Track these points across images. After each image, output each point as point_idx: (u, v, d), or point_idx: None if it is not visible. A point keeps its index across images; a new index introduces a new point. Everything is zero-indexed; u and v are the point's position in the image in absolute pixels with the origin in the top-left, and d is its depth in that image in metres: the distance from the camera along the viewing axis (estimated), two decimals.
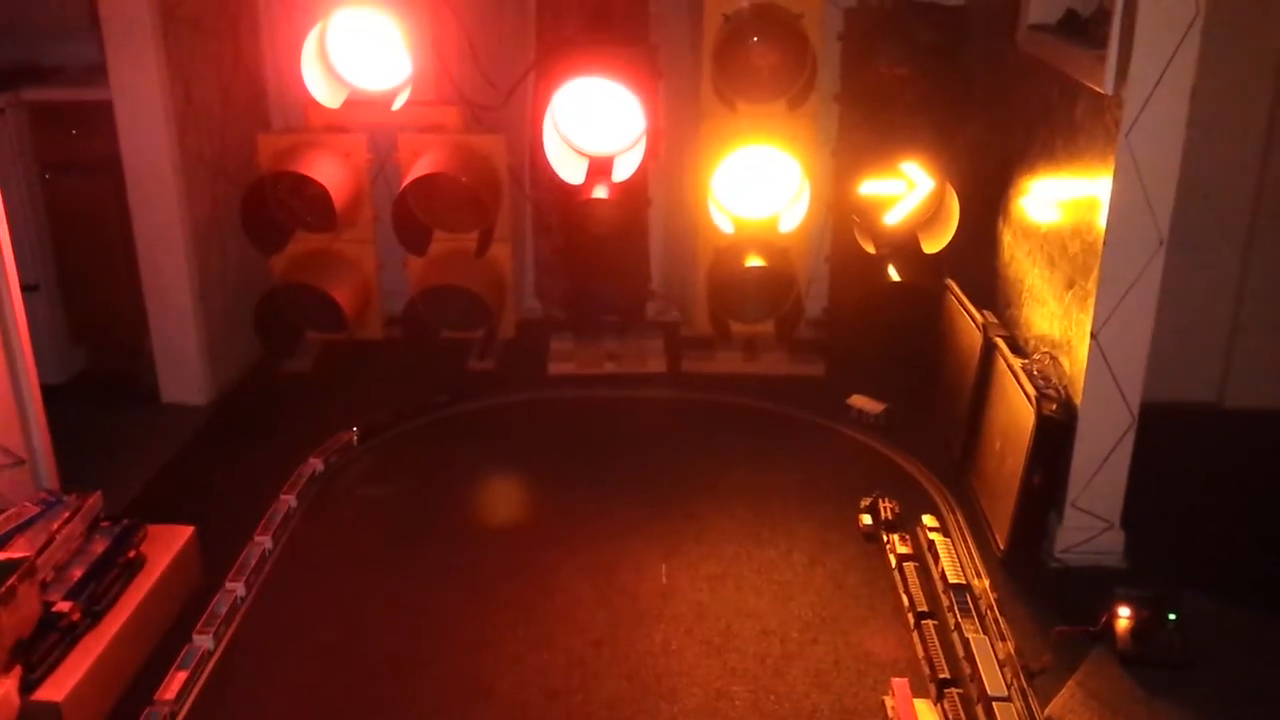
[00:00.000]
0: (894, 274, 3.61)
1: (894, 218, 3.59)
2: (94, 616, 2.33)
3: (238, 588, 2.61)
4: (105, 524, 2.55)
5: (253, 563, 2.70)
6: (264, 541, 2.79)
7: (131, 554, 2.52)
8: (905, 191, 3.56)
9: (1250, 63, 3.22)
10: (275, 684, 2.39)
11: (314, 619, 2.60)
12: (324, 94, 3.57)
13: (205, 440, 3.41)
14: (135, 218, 3.43)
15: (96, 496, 2.57)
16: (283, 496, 2.97)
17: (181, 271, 3.47)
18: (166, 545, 2.61)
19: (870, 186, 3.57)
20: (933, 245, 3.53)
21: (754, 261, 3.66)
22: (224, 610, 2.52)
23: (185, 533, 2.66)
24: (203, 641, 2.43)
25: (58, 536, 2.40)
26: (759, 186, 3.68)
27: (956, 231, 3.46)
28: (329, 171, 3.68)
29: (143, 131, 3.33)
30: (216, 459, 3.30)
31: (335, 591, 2.70)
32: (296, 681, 2.40)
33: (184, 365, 3.57)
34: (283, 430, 3.43)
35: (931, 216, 3.59)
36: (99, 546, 2.47)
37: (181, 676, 2.31)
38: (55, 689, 2.14)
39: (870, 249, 3.57)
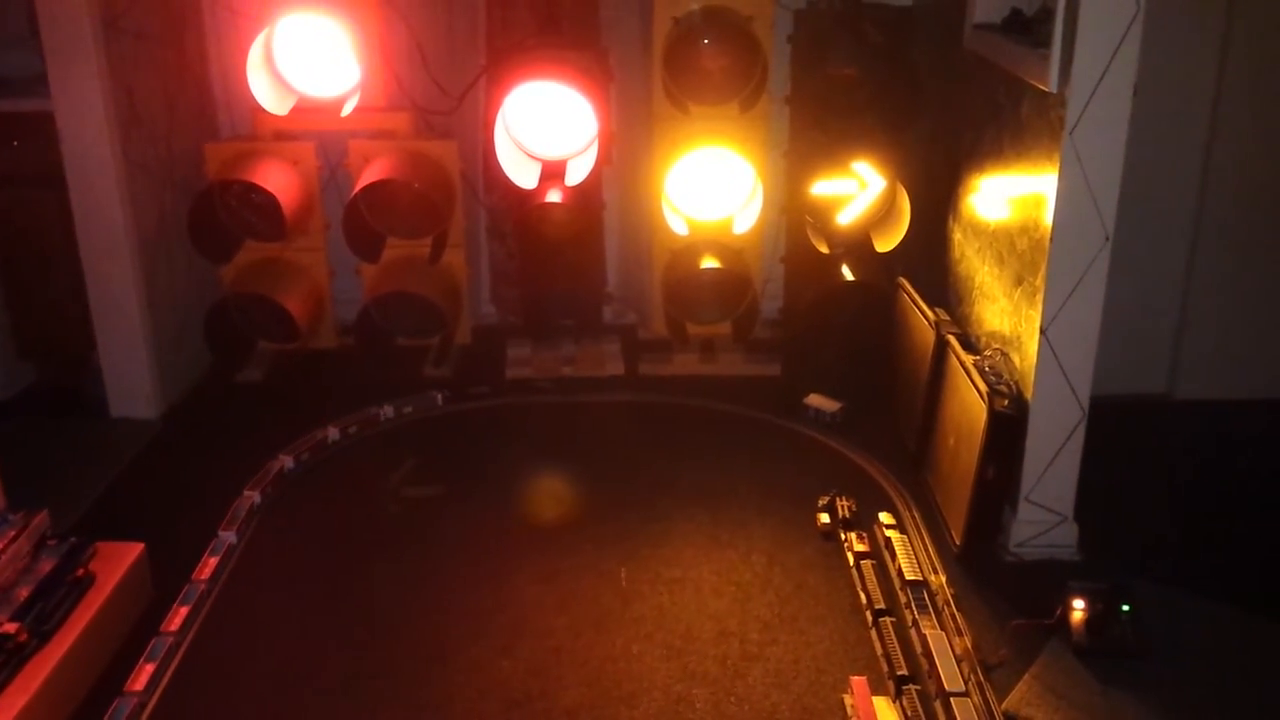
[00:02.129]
0: (848, 273, 3.63)
1: (846, 217, 3.61)
2: (42, 637, 2.28)
3: (200, 585, 2.59)
4: (52, 542, 2.50)
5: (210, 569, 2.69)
6: (228, 536, 2.80)
7: (80, 572, 2.47)
8: (857, 191, 3.58)
9: (1192, 59, 3.27)
10: (227, 699, 2.35)
11: (268, 631, 2.56)
12: (271, 101, 3.53)
13: (155, 454, 3.36)
14: (80, 229, 3.37)
15: (43, 515, 2.51)
16: (246, 492, 2.98)
17: (128, 283, 3.42)
18: (116, 563, 2.56)
19: (822, 187, 3.59)
20: (885, 244, 3.55)
21: (709, 263, 3.66)
22: (168, 642, 2.47)
23: (135, 549, 2.62)
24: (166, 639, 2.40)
25: (3, 556, 2.34)
26: (712, 189, 3.68)
27: (908, 230, 3.49)
28: (278, 179, 3.63)
29: (86, 142, 3.27)
30: (167, 473, 3.25)
31: (288, 605, 2.66)
32: (250, 696, 2.36)
33: (133, 378, 3.51)
34: (235, 443, 3.38)
35: (883, 216, 3.62)
36: (46, 565, 2.42)
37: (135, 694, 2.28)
38: (2, 711, 2.10)
39: (824, 249, 3.59)
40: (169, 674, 2.39)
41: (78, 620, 2.36)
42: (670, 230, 3.70)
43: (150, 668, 2.36)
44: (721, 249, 3.73)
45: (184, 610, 2.55)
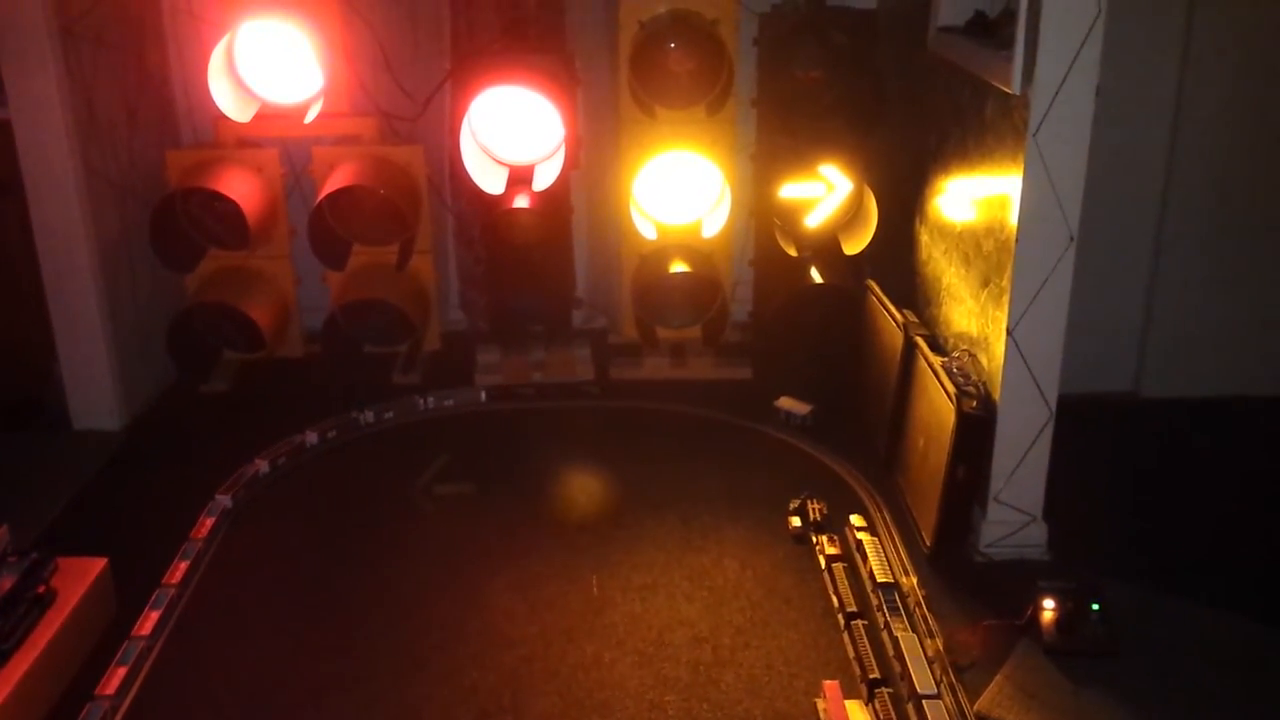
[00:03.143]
0: (816, 276, 3.64)
1: (814, 220, 3.62)
2: (2, 655, 2.24)
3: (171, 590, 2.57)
4: (13, 559, 2.44)
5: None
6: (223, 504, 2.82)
7: (41, 589, 2.42)
8: (824, 194, 3.58)
9: (1155, 59, 3.30)
10: (195, 713, 2.32)
11: (236, 641, 2.52)
12: (233, 108, 3.49)
13: (119, 467, 3.31)
14: (39, 239, 3.32)
15: (3, 530, 2.46)
16: (218, 496, 2.97)
17: (89, 293, 3.37)
18: (78, 578, 2.51)
19: (790, 190, 3.59)
20: (853, 247, 3.56)
21: (679, 267, 3.66)
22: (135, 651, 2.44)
23: (98, 565, 2.57)
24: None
25: None
26: (681, 192, 3.68)
27: (875, 232, 3.50)
28: (241, 187, 3.60)
29: (44, 150, 3.22)
30: (131, 487, 3.20)
31: (258, 614, 2.63)
32: (217, 707, 2.32)
33: (95, 390, 3.46)
34: (200, 454, 3.34)
35: (851, 219, 3.62)
36: (6, 582, 2.37)
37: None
38: None
39: (792, 252, 3.59)
40: (140, 679, 2.37)
41: (38, 638, 2.31)
42: (639, 234, 3.69)
43: (122, 671, 2.35)
44: (691, 253, 3.73)
45: (155, 615, 2.53)
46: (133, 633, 2.47)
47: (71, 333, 3.41)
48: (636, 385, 3.76)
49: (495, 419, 3.59)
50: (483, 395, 3.62)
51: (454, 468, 3.25)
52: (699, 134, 3.65)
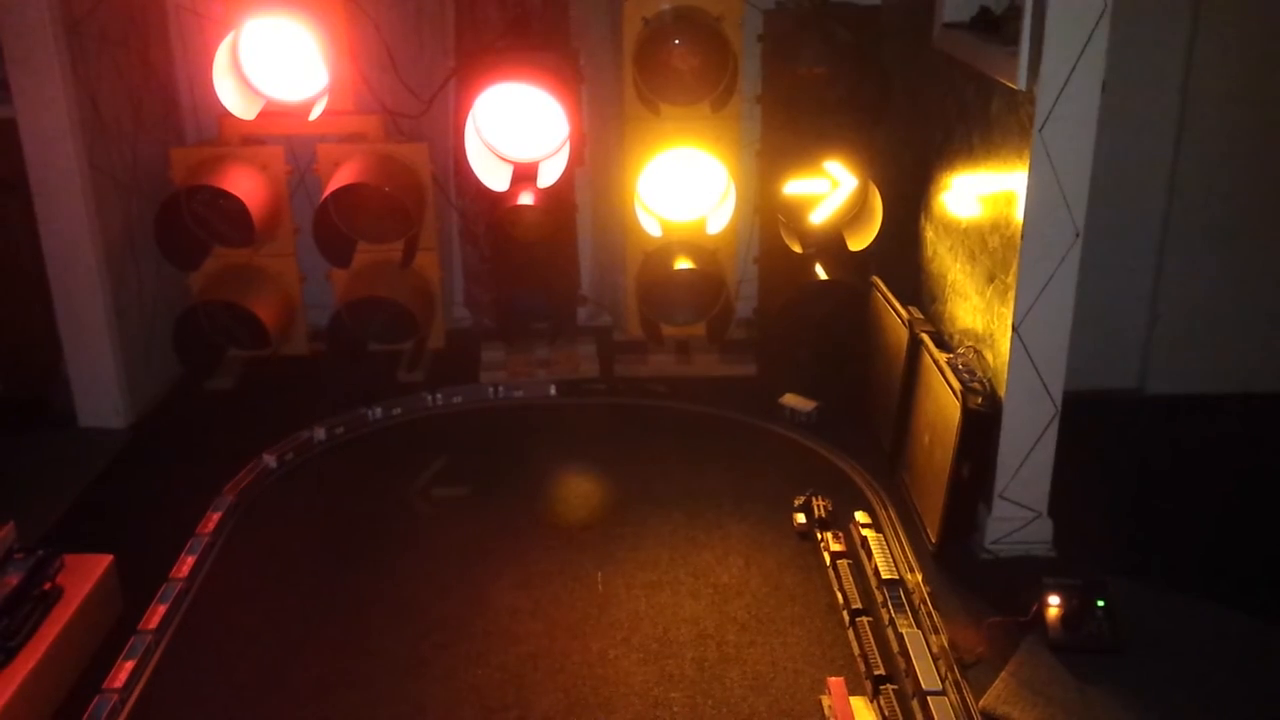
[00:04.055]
0: (821, 272, 3.63)
1: (819, 217, 3.61)
2: (8, 653, 2.25)
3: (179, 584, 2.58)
4: (19, 555, 2.45)
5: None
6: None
7: (47, 586, 2.43)
8: (829, 190, 3.58)
9: (1161, 55, 3.29)
10: (199, 710, 2.32)
11: (242, 640, 2.53)
12: (238, 105, 3.49)
13: (124, 465, 3.31)
14: (44, 237, 3.32)
15: (9, 528, 2.47)
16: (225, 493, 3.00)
17: (95, 291, 3.37)
18: (85, 575, 2.52)
19: (795, 186, 3.58)
20: (858, 243, 3.56)
21: (683, 264, 3.66)
22: (146, 640, 2.45)
23: (104, 561, 2.58)
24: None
25: None
26: (685, 189, 3.67)
27: (880, 228, 3.49)
28: (246, 184, 3.60)
29: (49, 148, 3.23)
30: (136, 484, 3.21)
31: (261, 615, 2.63)
32: (221, 708, 2.33)
33: (101, 388, 3.46)
34: (205, 452, 3.34)
35: (856, 215, 3.62)
36: (13, 579, 2.38)
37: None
38: None
39: (797, 248, 3.59)
40: (146, 673, 2.38)
41: (45, 635, 2.32)
42: (644, 231, 3.69)
43: (130, 665, 2.37)
44: (695, 249, 3.73)
45: (162, 609, 2.55)
46: (140, 626, 2.49)
47: (77, 331, 3.42)
48: (642, 383, 3.76)
49: (497, 414, 3.59)
50: (552, 389, 3.66)
51: (458, 466, 3.26)
52: (704, 130, 3.65)
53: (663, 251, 3.74)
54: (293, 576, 2.77)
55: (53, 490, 3.13)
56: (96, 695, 2.27)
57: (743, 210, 3.80)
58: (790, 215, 3.64)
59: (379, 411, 3.50)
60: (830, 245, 3.63)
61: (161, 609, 2.54)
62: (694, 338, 3.94)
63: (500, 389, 3.62)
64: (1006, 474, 2.72)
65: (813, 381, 3.61)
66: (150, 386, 3.66)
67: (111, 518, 3.02)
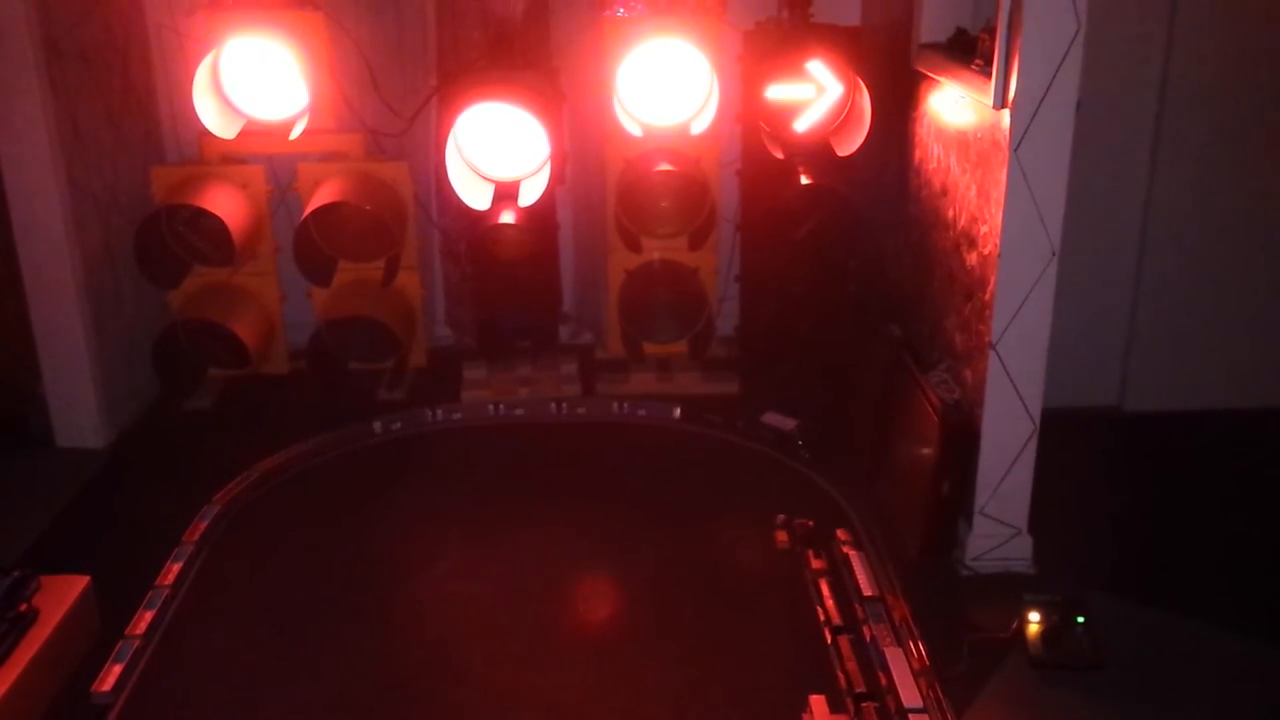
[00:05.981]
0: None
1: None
2: None
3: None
4: None
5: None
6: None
7: (23, 607, 2.41)
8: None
9: (1135, 75, 3.32)
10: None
11: (219, 660, 2.51)
12: (218, 124, 3.49)
13: (102, 485, 3.29)
14: (22, 255, 3.31)
15: None
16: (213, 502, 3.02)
17: (73, 310, 3.36)
18: (61, 597, 2.50)
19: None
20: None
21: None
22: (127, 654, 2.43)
23: (80, 583, 2.55)
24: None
25: None
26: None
27: (861, 246, 3.48)
28: (226, 203, 3.59)
29: (28, 167, 3.22)
30: (115, 504, 3.19)
31: (241, 633, 2.61)
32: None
33: (79, 407, 3.44)
34: (184, 472, 3.32)
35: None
36: None
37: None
38: None
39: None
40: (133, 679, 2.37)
41: (20, 657, 2.30)
42: (625, 251, 3.69)
43: (119, 668, 2.39)
44: (677, 276, 3.72)
45: (149, 615, 2.57)
46: (127, 631, 2.51)
47: (55, 350, 3.40)
48: (623, 400, 3.76)
49: (482, 437, 3.58)
50: (676, 412, 3.64)
51: (422, 484, 3.25)
52: (682, 144, 3.64)
53: (644, 270, 3.75)
54: (271, 599, 2.75)
55: (29, 511, 3.10)
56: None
57: (724, 228, 3.81)
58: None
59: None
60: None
61: (148, 615, 2.56)
62: (676, 356, 3.94)
63: (623, 405, 3.66)
64: (986, 491, 2.73)
65: (795, 399, 3.62)
66: (129, 406, 3.64)
67: (89, 539, 3.00)
